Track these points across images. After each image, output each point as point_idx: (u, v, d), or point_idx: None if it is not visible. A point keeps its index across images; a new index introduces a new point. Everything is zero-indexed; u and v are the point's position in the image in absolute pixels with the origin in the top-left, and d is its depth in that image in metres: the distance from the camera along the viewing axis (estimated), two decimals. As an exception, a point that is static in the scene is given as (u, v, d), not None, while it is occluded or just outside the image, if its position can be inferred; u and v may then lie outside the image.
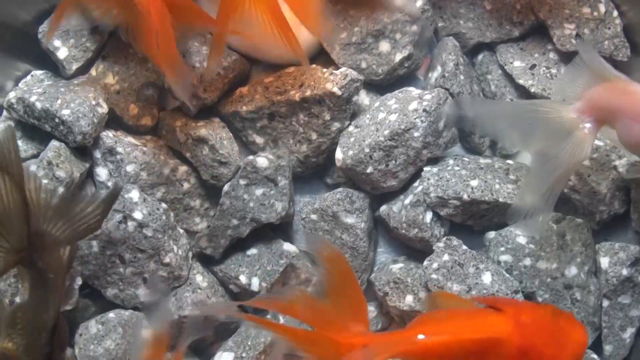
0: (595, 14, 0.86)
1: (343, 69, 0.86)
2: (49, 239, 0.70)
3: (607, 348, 0.83)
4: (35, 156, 0.85)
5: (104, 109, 0.84)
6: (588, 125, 0.75)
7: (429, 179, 0.83)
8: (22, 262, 0.68)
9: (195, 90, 0.87)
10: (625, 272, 0.81)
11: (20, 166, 0.66)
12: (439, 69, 0.88)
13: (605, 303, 0.82)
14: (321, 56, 0.90)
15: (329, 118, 0.85)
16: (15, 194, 0.65)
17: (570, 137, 0.74)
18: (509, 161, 0.86)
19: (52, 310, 0.69)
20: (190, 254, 0.85)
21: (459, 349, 0.65)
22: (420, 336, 0.65)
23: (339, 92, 0.84)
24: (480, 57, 0.92)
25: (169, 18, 0.74)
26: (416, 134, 0.82)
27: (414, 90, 0.86)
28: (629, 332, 0.82)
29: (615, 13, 0.86)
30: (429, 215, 0.83)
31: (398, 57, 0.88)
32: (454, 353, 0.65)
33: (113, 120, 0.88)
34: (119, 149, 0.84)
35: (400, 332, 0.68)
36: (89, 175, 0.86)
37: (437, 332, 0.65)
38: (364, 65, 0.88)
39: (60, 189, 0.80)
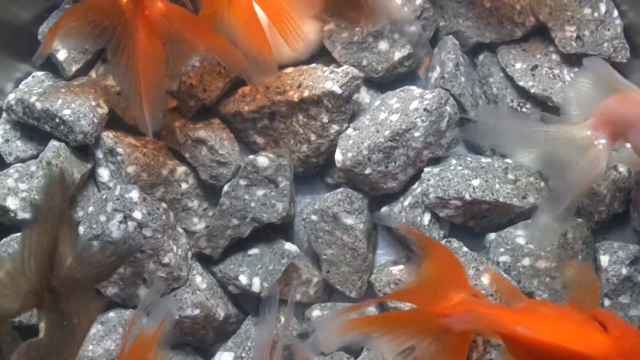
0: (596, 14, 0.86)
1: (344, 66, 0.85)
2: (72, 284, 0.71)
3: (608, 348, 0.83)
4: (34, 156, 0.85)
5: (104, 109, 0.85)
6: (602, 140, 0.74)
7: (428, 180, 0.83)
8: (41, 305, 0.68)
9: (194, 92, 0.87)
10: (624, 271, 0.81)
11: (56, 217, 0.68)
12: (438, 69, 0.88)
13: (607, 302, 0.82)
14: (323, 55, 0.90)
15: (326, 120, 0.85)
16: (45, 240, 0.67)
17: (586, 154, 0.74)
18: (508, 160, 0.86)
19: (67, 353, 0.70)
20: (189, 253, 0.85)
21: (551, 353, 0.65)
22: (518, 328, 0.65)
23: (339, 91, 0.83)
24: (481, 57, 0.92)
25: (157, 36, 0.74)
26: (417, 134, 0.82)
27: (415, 89, 0.86)
28: (630, 332, 0.82)
29: (616, 13, 0.86)
30: (427, 217, 0.83)
31: (397, 55, 0.88)
32: (544, 354, 0.65)
33: (114, 121, 0.87)
34: (120, 150, 0.84)
35: (501, 310, 0.70)
36: (91, 176, 0.86)
37: (534, 327, 0.65)
38: (364, 62, 0.88)
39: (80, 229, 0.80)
